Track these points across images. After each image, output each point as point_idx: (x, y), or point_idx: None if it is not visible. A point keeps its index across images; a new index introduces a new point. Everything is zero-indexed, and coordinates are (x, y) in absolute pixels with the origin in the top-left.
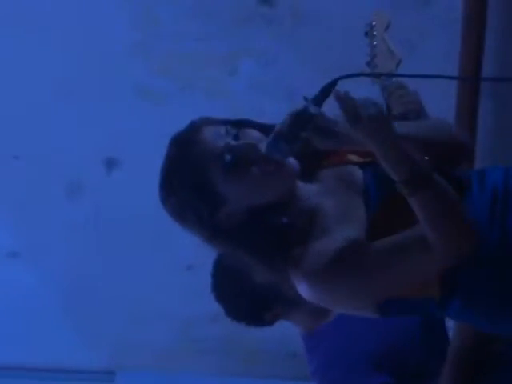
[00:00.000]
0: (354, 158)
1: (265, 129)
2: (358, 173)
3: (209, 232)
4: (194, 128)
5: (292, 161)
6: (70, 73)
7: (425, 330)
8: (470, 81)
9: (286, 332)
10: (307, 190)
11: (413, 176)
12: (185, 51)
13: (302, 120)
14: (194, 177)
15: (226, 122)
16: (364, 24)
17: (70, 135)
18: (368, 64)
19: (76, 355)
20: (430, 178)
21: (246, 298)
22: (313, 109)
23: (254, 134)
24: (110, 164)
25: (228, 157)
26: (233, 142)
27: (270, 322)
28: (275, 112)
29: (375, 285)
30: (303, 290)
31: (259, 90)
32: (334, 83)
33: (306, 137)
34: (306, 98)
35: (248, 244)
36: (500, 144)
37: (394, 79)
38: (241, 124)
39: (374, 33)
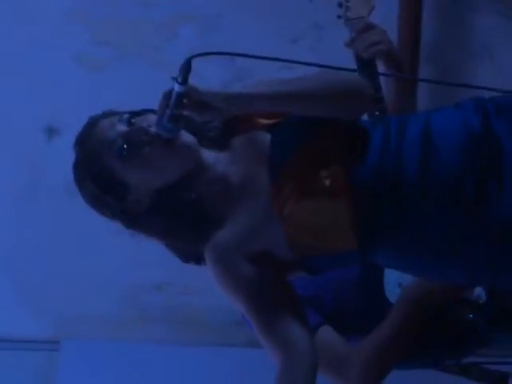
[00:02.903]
0: (263, 121)
1: None
2: (265, 137)
3: (124, 221)
4: (91, 123)
5: (186, 136)
6: (8, 42)
7: (362, 280)
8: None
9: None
10: (214, 159)
11: None
12: (124, 18)
13: (174, 99)
14: (94, 171)
15: (125, 112)
16: None
17: (10, 104)
18: (340, 5)
19: (20, 325)
20: None
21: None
22: (178, 87)
23: (149, 117)
24: (51, 132)
25: (119, 143)
26: (123, 128)
27: None
28: (218, 78)
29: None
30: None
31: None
32: (188, 62)
33: (184, 113)
34: (172, 78)
35: (164, 226)
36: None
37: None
38: (140, 112)
39: None
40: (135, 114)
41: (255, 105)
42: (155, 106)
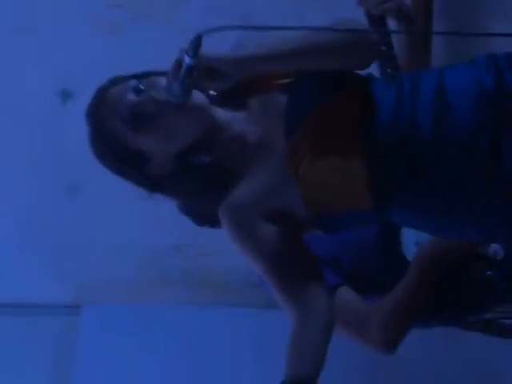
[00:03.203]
0: (279, 81)
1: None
2: (282, 97)
3: (148, 188)
4: (100, 94)
5: (197, 97)
6: (21, 4)
7: (379, 240)
8: None
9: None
10: (230, 118)
11: None
12: None
13: (184, 71)
14: (109, 144)
15: (132, 77)
16: None
17: (23, 67)
18: None
19: (41, 290)
20: None
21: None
22: (188, 60)
23: (157, 80)
24: (65, 95)
25: (130, 116)
26: (132, 98)
27: None
28: (232, 38)
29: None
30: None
31: (214, 16)
32: (199, 37)
33: (193, 83)
34: (181, 50)
35: (185, 188)
36: None
37: None
38: (148, 75)
39: None
40: (142, 77)
41: (265, 65)
42: (168, 65)
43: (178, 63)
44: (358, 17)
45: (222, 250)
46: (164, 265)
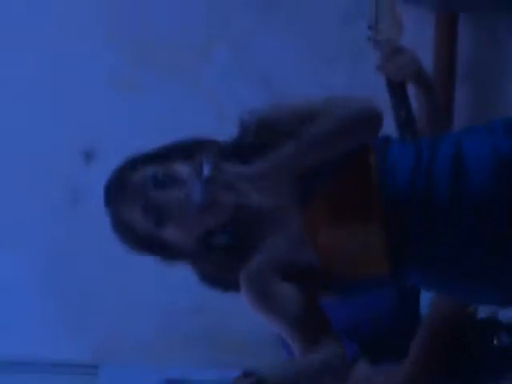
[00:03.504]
0: None
1: (190, 152)
2: None
3: (169, 262)
4: (118, 179)
5: (221, 198)
6: (45, 63)
7: (398, 303)
8: None
9: None
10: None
11: None
12: (159, 40)
13: (205, 179)
14: (131, 234)
15: (149, 160)
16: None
17: (47, 128)
18: (370, 27)
19: (59, 349)
20: None
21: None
22: (207, 171)
23: (177, 172)
24: (88, 155)
25: (153, 212)
26: (153, 194)
27: None
28: (251, 98)
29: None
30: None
31: (234, 77)
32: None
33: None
34: (205, 157)
35: (209, 263)
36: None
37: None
38: (164, 158)
39: None
40: (160, 161)
41: (282, 175)
42: (190, 128)
43: (198, 172)
44: (377, 80)
45: (240, 311)
46: (183, 326)
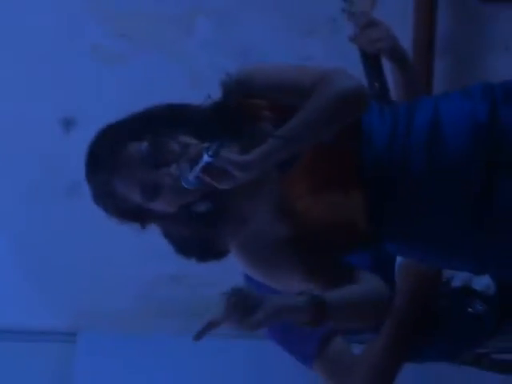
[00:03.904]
0: (270, 115)
1: (180, 125)
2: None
3: (146, 226)
4: (113, 154)
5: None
6: (24, 34)
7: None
8: None
9: None
10: None
11: None
12: (140, 11)
13: (201, 167)
14: (117, 204)
15: (136, 132)
16: None
17: (27, 97)
18: (344, 0)
19: (37, 317)
20: None
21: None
22: (207, 158)
23: (171, 148)
24: (68, 124)
25: (147, 186)
26: (148, 171)
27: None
28: (231, 69)
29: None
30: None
31: (215, 48)
32: (222, 142)
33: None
34: (205, 148)
35: (186, 230)
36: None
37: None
38: (154, 133)
39: None
40: (150, 134)
41: (272, 163)
42: (170, 98)
43: (196, 158)
44: (353, 51)
45: (218, 280)
46: (161, 295)
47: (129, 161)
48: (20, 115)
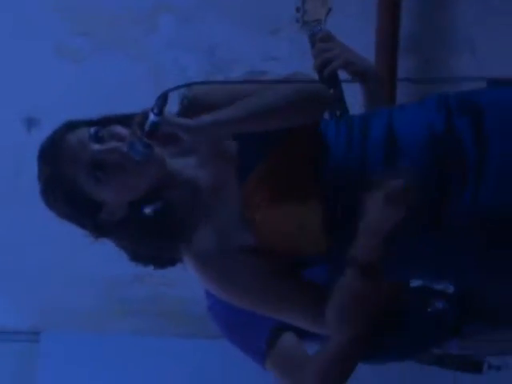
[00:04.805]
0: None
1: (129, 121)
2: (230, 143)
3: (97, 233)
4: (58, 138)
5: (156, 154)
6: None
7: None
8: None
9: None
10: (181, 164)
11: None
12: (104, 9)
13: (148, 128)
14: (66, 192)
15: (89, 123)
16: None
17: None
18: (297, 10)
19: (0, 316)
20: None
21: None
22: (153, 117)
23: (118, 130)
24: (30, 123)
25: (94, 164)
26: (96, 147)
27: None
28: (196, 69)
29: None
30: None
31: (179, 47)
32: (165, 95)
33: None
34: (147, 109)
35: (137, 234)
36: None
37: (321, 28)
38: (105, 122)
39: None
40: (99, 124)
41: (221, 132)
42: (134, 97)
43: (141, 118)
44: None
45: (182, 280)
46: (124, 294)
47: (71, 146)
48: None
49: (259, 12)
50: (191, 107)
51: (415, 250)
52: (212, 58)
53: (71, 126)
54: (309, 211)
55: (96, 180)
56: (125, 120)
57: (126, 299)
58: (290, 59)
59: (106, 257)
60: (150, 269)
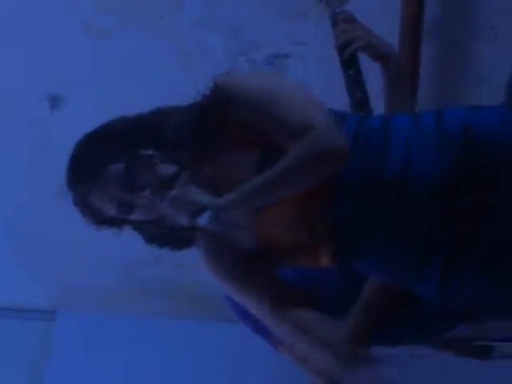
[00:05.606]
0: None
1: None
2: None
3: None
4: (93, 173)
5: None
6: (13, 9)
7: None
8: None
9: None
10: None
11: None
12: None
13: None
14: (96, 215)
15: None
16: None
17: (16, 72)
18: None
19: (17, 294)
20: None
21: None
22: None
23: (145, 176)
24: (55, 100)
25: (125, 210)
26: (126, 196)
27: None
28: (220, 48)
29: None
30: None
31: (205, 27)
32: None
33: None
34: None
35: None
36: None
37: (343, 8)
38: (135, 157)
39: None
40: (131, 172)
41: (242, 212)
42: (158, 78)
43: (197, 212)
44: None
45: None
46: (142, 275)
47: (107, 180)
48: (8, 89)
49: None
50: (212, 96)
51: (415, 266)
52: (237, 39)
53: (102, 158)
54: (317, 228)
55: (123, 214)
56: (148, 137)
57: (144, 280)
58: (315, 43)
59: (126, 236)
60: (167, 250)
